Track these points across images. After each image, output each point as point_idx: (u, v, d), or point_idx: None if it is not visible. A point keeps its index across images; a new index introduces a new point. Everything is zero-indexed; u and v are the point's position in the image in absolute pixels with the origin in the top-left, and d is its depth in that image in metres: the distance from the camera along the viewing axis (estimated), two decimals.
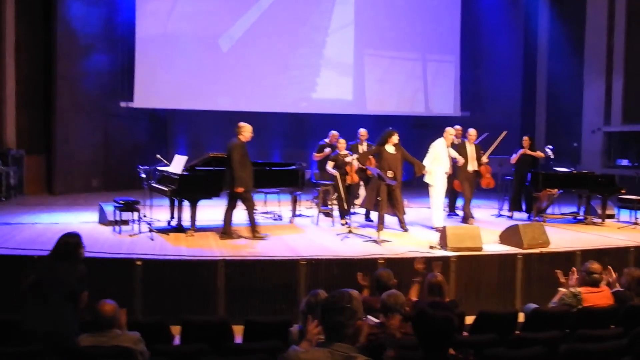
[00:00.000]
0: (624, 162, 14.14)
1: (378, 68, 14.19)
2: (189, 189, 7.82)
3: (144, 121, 12.98)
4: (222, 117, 13.29)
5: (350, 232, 8.03)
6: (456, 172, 9.37)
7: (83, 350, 3.86)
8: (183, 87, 12.86)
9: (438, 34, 14.58)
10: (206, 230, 8.14)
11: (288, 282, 6.48)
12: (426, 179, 8.79)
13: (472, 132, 9.67)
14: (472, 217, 9.33)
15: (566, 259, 7.15)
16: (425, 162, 8.69)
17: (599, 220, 9.62)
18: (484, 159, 9.62)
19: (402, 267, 6.45)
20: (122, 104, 12.72)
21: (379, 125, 9.78)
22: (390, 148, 8.38)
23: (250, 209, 7.79)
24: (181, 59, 12.83)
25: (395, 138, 8.39)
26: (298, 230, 8.51)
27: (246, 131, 7.70)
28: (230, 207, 7.77)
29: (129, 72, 12.61)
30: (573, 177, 9.97)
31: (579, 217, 9.97)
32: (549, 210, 10.13)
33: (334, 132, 9.97)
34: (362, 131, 9.94)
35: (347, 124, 11.46)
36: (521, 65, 15.65)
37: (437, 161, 8.67)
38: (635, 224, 9.23)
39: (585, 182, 9.82)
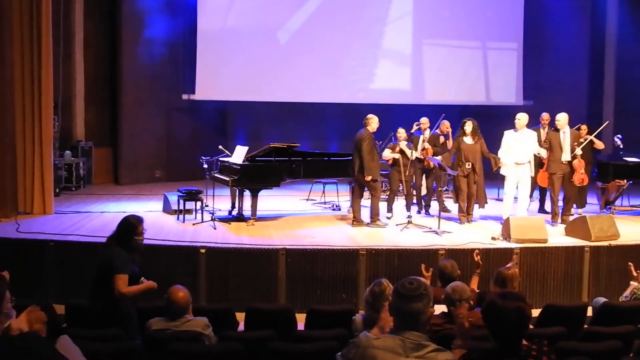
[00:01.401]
0: None
1: (437, 57, 13.94)
2: (250, 179, 7.95)
3: (205, 113, 13.25)
4: (281, 109, 13.43)
5: (410, 222, 7.96)
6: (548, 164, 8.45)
7: (153, 334, 4.00)
8: (242, 80, 13.04)
9: (499, 22, 14.17)
10: (267, 220, 8.25)
11: (348, 272, 6.51)
12: (502, 171, 8.25)
13: (559, 116, 8.49)
14: (558, 215, 8.31)
15: (637, 252, 6.87)
16: (499, 153, 8.15)
17: None
18: (578, 150, 8.39)
19: (463, 258, 6.37)
20: (184, 97, 13.02)
21: (438, 115, 9.59)
22: (467, 139, 8.17)
23: (376, 197, 8.07)
24: (241, 52, 13.00)
25: (467, 127, 8.16)
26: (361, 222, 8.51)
27: (373, 122, 8.01)
28: (358, 196, 8.12)
29: (190, 65, 12.89)
30: None
31: None
32: (617, 202, 9.73)
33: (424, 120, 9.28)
34: (423, 120, 9.43)
35: (405, 113, 11.35)
36: (588, 51, 15.02)
37: (507, 151, 8.09)
38: None
39: None
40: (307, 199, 10.29)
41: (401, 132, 8.81)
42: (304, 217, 8.72)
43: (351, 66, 13.56)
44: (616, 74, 15.20)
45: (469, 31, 14.00)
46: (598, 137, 9.27)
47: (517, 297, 2.50)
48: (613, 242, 7.05)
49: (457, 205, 8.43)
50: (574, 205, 8.86)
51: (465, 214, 8.25)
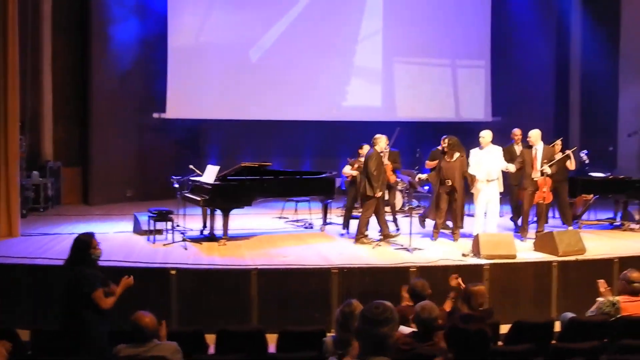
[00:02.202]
0: None
1: (407, 75, 14.14)
2: (221, 198, 7.93)
3: (176, 132, 13.16)
4: (254, 127, 13.42)
5: (382, 239, 8.01)
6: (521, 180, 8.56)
7: None
8: (215, 98, 13.02)
9: (468, 39, 14.46)
10: (238, 239, 8.22)
11: (321, 291, 6.51)
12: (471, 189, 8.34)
13: (531, 132, 8.58)
14: (527, 231, 8.44)
15: (603, 267, 7.02)
16: (469, 171, 8.23)
17: (637, 226, 9.40)
18: (547, 168, 8.31)
19: (434, 275, 6.43)
20: (155, 115, 12.94)
21: (410, 131, 9.71)
22: (448, 157, 8.21)
23: (365, 216, 8.11)
24: (212, 69, 13.01)
25: (443, 145, 8.19)
26: (329, 239, 8.53)
27: (381, 142, 8.19)
28: (375, 213, 8.16)
29: (161, 83, 12.83)
30: (609, 182, 9.76)
31: (615, 223, 9.76)
32: (585, 217, 9.95)
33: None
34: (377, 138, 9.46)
35: (377, 130, 11.42)
36: (554, 68, 15.40)
37: (476, 169, 8.21)
38: None
39: (622, 187, 9.62)
40: (280, 217, 10.28)
41: (365, 148, 8.71)
42: (276, 236, 8.71)
43: (323, 84, 13.67)
44: (581, 89, 15.61)
45: (438, 49, 14.25)
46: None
47: (479, 319, 2.55)
48: (580, 257, 7.19)
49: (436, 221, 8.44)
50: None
51: (453, 230, 8.34)
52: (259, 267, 6.62)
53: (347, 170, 8.71)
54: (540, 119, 13.80)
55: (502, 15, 14.52)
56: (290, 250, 7.61)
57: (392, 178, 8.69)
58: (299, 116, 13.40)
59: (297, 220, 9.90)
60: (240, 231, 8.65)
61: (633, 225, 9.43)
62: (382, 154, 8.21)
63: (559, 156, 8.67)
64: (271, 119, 13.31)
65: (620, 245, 8.14)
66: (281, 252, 7.50)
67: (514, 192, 9.19)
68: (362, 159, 8.51)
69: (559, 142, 9.05)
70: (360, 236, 8.11)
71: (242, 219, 9.24)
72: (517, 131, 9.33)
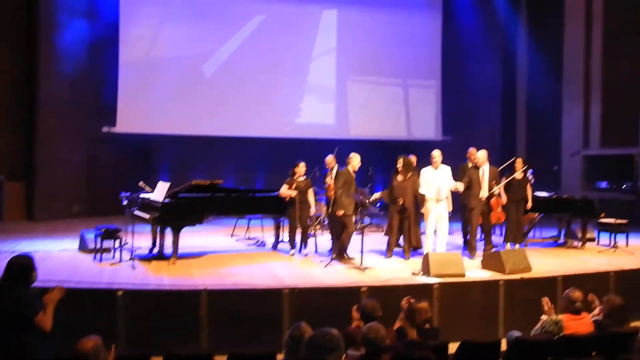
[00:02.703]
0: (603, 184, 14.36)
1: (360, 93, 14.34)
2: (171, 216, 7.79)
3: (126, 146, 12.91)
4: (207, 142, 13.31)
5: (334, 258, 8.02)
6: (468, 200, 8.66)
7: None
8: (167, 112, 12.86)
9: (419, 60, 14.79)
10: (189, 258, 8.08)
11: (272, 311, 6.44)
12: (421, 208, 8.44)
13: (478, 153, 8.81)
14: (475, 249, 8.61)
15: (548, 285, 7.21)
16: (419, 191, 8.34)
17: (579, 244, 9.73)
18: (496, 190, 8.66)
19: (385, 294, 6.46)
20: (105, 129, 12.66)
21: (363, 150, 9.72)
22: (399, 176, 8.32)
23: (348, 233, 8.09)
24: (165, 84, 12.85)
25: (398, 165, 8.27)
26: (281, 257, 8.48)
27: (353, 161, 8.19)
28: (337, 233, 8.14)
29: (112, 97, 12.58)
30: (553, 201, 10.08)
31: (559, 241, 10.09)
32: (530, 235, 10.24)
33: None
34: (328, 158, 9.43)
35: (331, 148, 11.49)
36: (501, 89, 15.92)
37: (426, 189, 8.33)
38: (614, 247, 9.34)
39: (565, 206, 9.95)
40: (231, 236, 10.17)
41: (301, 167, 8.58)
42: (227, 255, 8.60)
43: (277, 101, 13.70)
44: (527, 110, 16.18)
45: (391, 68, 14.52)
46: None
47: (423, 345, 2.57)
48: (525, 275, 7.36)
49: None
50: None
51: (404, 248, 8.41)
52: (209, 287, 6.50)
53: (284, 190, 8.47)
54: (489, 138, 14.24)
55: (452, 38, 14.93)
56: (241, 270, 7.52)
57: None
58: (253, 132, 13.39)
59: (249, 239, 9.81)
60: (191, 250, 8.51)
61: (576, 243, 9.76)
62: (354, 173, 8.21)
63: (519, 175, 9.02)
64: (225, 135, 13.24)
65: (563, 262, 8.39)
66: (232, 272, 7.40)
67: (465, 212, 9.34)
68: (299, 179, 8.46)
69: (519, 159, 9.27)
70: (339, 254, 8.11)
71: (193, 237, 9.10)
72: (473, 150, 9.45)
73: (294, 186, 8.42)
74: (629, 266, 8.03)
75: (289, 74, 13.78)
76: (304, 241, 8.58)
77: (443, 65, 14.95)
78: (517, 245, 8.99)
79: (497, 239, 9.89)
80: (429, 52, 14.82)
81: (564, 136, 15.11)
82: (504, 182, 8.86)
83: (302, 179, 8.53)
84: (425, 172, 8.32)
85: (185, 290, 6.48)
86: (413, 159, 9.08)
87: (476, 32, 15.02)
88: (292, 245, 8.59)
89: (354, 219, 8.46)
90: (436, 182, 8.26)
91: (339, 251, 8.13)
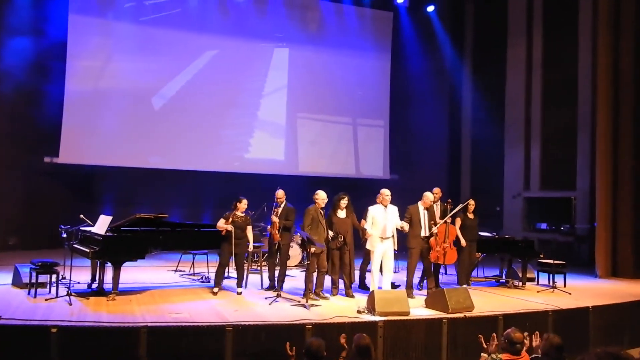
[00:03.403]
0: (543, 225, 14.87)
1: (310, 130, 14.50)
2: (112, 250, 7.57)
3: (69, 177, 12.55)
4: (154, 175, 13.09)
5: (279, 295, 7.94)
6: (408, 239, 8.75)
7: None
8: (113, 144, 12.62)
9: (369, 100, 15.14)
10: (129, 294, 7.84)
11: (215, 349, 6.29)
12: (367, 245, 8.48)
13: (432, 193, 9.06)
14: (412, 288, 8.71)
15: (489, 323, 7.33)
16: (365, 227, 8.48)
17: (520, 284, 9.98)
18: (434, 229, 8.75)
19: (330, 332, 6.42)
20: (47, 159, 12.30)
21: (310, 186, 9.78)
22: (340, 213, 8.44)
23: (320, 271, 8.15)
24: (112, 114, 12.64)
25: (343, 203, 8.44)
26: (226, 294, 8.34)
27: (318, 197, 8.26)
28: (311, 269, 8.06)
29: (55, 127, 12.27)
30: (495, 241, 10.36)
31: (501, 280, 10.32)
32: (473, 274, 10.44)
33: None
34: (279, 193, 8.91)
35: (279, 184, 11.49)
36: (447, 132, 16.43)
37: (374, 226, 8.39)
38: (553, 287, 9.61)
39: (507, 246, 10.23)
40: (175, 271, 9.96)
41: (243, 203, 8.39)
42: (170, 290, 8.39)
43: (227, 135, 13.70)
44: (472, 152, 16.70)
45: (341, 107, 14.80)
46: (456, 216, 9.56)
47: None
48: (468, 314, 7.47)
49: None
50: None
51: (337, 287, 8.41)
52: (149, 324, 6.30)
53: (221, 224, 8.20)
54: (435, 179, 14.54)
55: (400, 80, 15.40)
56: (184, 306, 7.34)
57: (276, 237, 8.56)
58: (201, 166, 13.29)
59: (193, 274, 9.63)
60: (132, 285, 8.27)
61: (517, 283, 10.01)
62: (321, 211, 8.21)
63: (471, 216, 9.50)
64: (172, 168, 13.08)
65: (505, 301, 8.57)
66: (174, 309, 7.21)
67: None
68: (239, 213, 8.28)
69: (472, 200, 9.71)
70: (317, 291, 8.15)
71: (134, 272, 8.86)
72: (437, 190, 9.56)
73: (230, 220, 8.27)
74: (566, 306, 8.27)
75: (239, 109, 13.82)
76: (240, 278, 8.38)
77: (391, 106, 15.35)
78: (464, 286, 9.14)
79: (448, 278, 10.05)
80: (378, 94, 15.21)
81: (506, 178, 15.64)
82: (444, 221, 9.00)
83: (241, 214, 8.37)
84: (373, 209, 8.40)
85: (124, 327, 6.26)
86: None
87: (424, 77, 15.54)
88: (216, 282, 8.33)
89: (300, 255, 8.46)
90: (384, 220, 8.35)
91: (309, 289, 7.97)
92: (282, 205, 8.71)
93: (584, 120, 13.86)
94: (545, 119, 14.93)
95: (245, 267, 8.67)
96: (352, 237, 8.54)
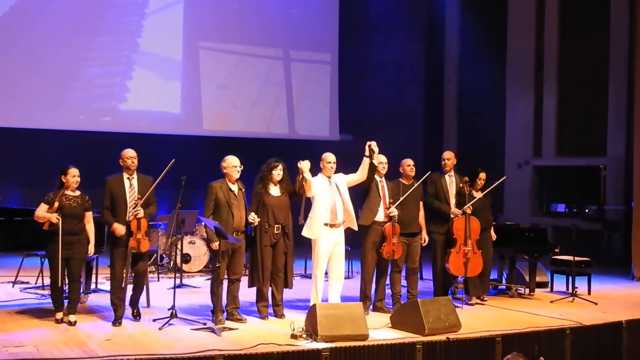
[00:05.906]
0: (560, 207, 15.22)
1: (219, 69, 14.35)
2: None
3: None
4: None
5: (174, 316, 7.88)
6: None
7: None
8: None
9: (309, 23, 15.07)
10: None
11: None
12: (305, 233, 8.42)
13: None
14: (369, 299, 8.87)
15: (483, 347, 7.50)
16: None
17: (527, 290, 10.23)
18: (392, 209, 8.75)
19: None
20: None
21: (221, 152, 9.45)
22: (273, 189, 8.23)
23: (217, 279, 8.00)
24: None
25: (276, 174, 8.17)
26: (93, 315, 8.26)
27: (228, 166, 8.03)
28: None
29: None
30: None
31: (500, 287, 10.55)
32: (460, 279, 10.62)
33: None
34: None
35: (173, 149, 11.36)
36: (423, 73, 16.55)
37: (316, 205, 8.31)
38: (573, 295, 9.86)
39: (509, 238, 10.38)
40: (14, 283, 9.80)
41: (72, 173, 7.82)
42: (6, 312, 8.26)
43: (90, 76, 13.61)
44: (458, 104, 16.82)
45: (265, 34, 14.74)
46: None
47: None
48: (452, 335, 7.61)
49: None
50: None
51: (266, 304, 8.36)
52: None
53: (41, 213, 7.63)
54: (406, 139, 14.72)
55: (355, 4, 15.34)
56: (26, 335, 7.22)
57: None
58: (49, 124, 13.11)
59: (42, 287, 9.52)
60: None
61: (522, 289, 10.22)
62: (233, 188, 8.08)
63: (478, 195, 9.33)
64: (2, 126, 12.81)
65: (505, 317, 8.79)
66: (12, 339, 7.06)
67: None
68: (69, 193, 7.74)
69: (482, 174, 9.57)
70: (216, 310, 7.95)
71: None
72: (448, 154, 9.61)
73: (56, 205, 7.72)
74: (591, 321, 8.53)
75: (109, 36, 13.52)
76: (75, 295, 7.95)
77: (342, 34, 15.34)
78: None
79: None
80: (323, 16, 15.19)
81: (508, 140, 15.89)
82: (462, 210, 9.10)
83: (74, 194, 7.83)
84: (314, 183, 8.31)
85: None
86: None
87: None
88: (56, 306, 7.89)
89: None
90: (330, 198, 8.33)
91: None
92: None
93: (618, 58, 14.18)
94: (563, 55, 15.19)
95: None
96: (293, 226, 8.36)
